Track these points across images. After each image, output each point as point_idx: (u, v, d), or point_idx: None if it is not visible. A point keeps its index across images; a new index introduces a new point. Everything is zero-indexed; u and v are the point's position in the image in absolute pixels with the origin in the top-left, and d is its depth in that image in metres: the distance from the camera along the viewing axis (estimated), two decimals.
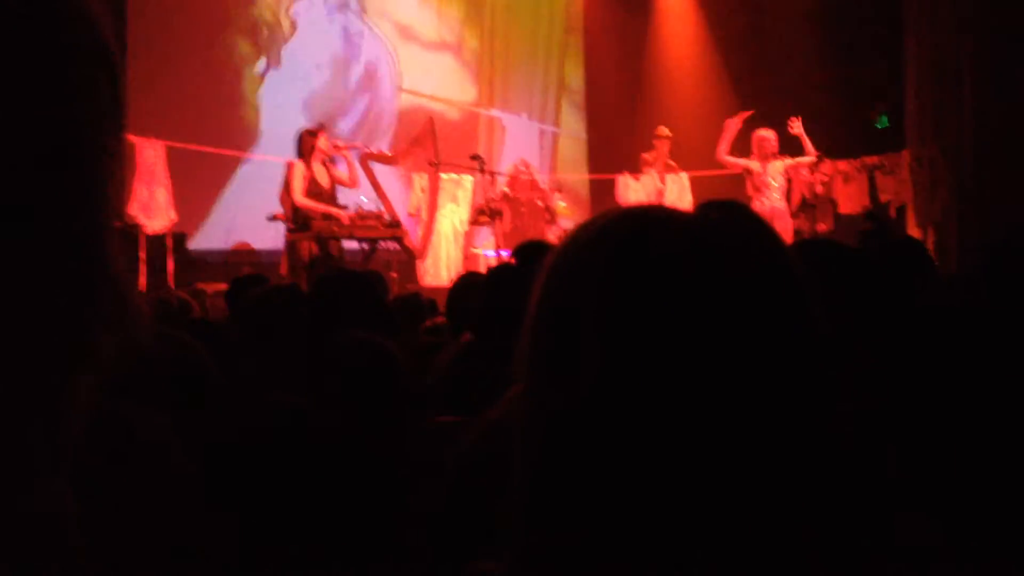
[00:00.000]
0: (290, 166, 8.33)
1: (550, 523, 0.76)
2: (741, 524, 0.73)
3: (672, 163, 10.89)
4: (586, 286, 0.78)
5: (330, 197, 8.23)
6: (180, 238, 9.78)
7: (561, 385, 0.77)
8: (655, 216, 0.81)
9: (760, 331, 0.75)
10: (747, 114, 9.65)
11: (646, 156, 11.03)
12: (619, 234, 0.79)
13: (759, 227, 0.80)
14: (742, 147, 9.71)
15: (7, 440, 0.51)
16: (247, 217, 11.51)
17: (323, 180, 8.19)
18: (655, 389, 0.73)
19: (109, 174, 0.56)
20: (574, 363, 0.76)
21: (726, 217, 0.80)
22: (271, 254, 10.26)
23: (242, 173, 11.75)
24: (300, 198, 8.07)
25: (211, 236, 11.43)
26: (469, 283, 3.56)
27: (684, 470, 0.73)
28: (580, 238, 0.81)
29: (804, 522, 0.74)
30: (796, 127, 9.47)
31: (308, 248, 8.01)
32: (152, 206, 9.09)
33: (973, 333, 1.23)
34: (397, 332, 2.75)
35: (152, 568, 0.62)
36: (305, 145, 8.16)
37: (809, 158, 9.46)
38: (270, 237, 10.18)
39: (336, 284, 2.91)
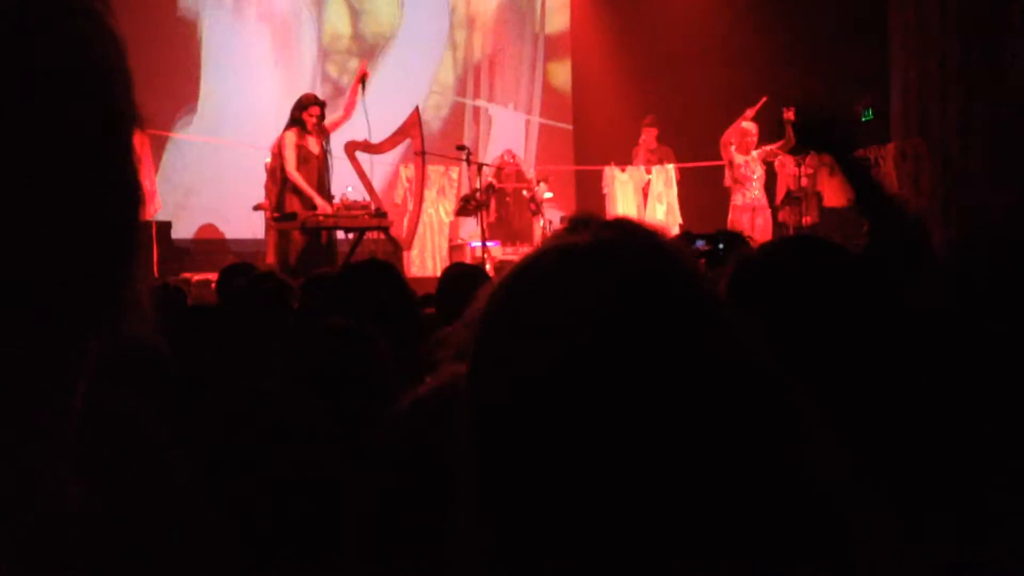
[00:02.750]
0: (278, 142, 8.19)
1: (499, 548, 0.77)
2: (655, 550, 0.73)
3: (663, 147, 10.89)
4: (489, 320, 0.80)
5: (322, 165, 8.10)
6: (165, 227, 9.74)
7: (483, 416, 0.78)
8: (549, 245, 0.83)
9: (653, 344, 0.74)
10: (761, 102, 9.60)
11: (636, 150, 11.06)
12: (516, 267, 0.82)
13: (650, 242, 0.81)
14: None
15: (17, 423, 0.51)
16: (227, 205, 11.49)
17: (314, 148, 8.09)
18: (551, 416, 0.74)
19: (130, 149, 0.57)
20: (489, 392, 0.78)
21: (616, 235, 0.81)
22: (255, 243, 10.24)
23: (223, 161, 11.70)
24: (292, 171, 7.93)
25: (194, 225, 11.39)
26: (458, 274, 3.56)
27: (598, 499, 0.73)
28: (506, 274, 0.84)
29: (739, 542, 0.73)
30: (790, 114, 9.47)
31: (297, 239, 7.97)
32: None
33: (966, 334, 1.23)
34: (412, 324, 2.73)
35: (154, 560, 0.62)
36: (297, 111, 8.08)
37: (782, 142, 9.46)
38: (250, 226, 10.17)
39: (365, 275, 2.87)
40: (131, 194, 0.56)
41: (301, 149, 7.97)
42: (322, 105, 8.11)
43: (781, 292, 1.34)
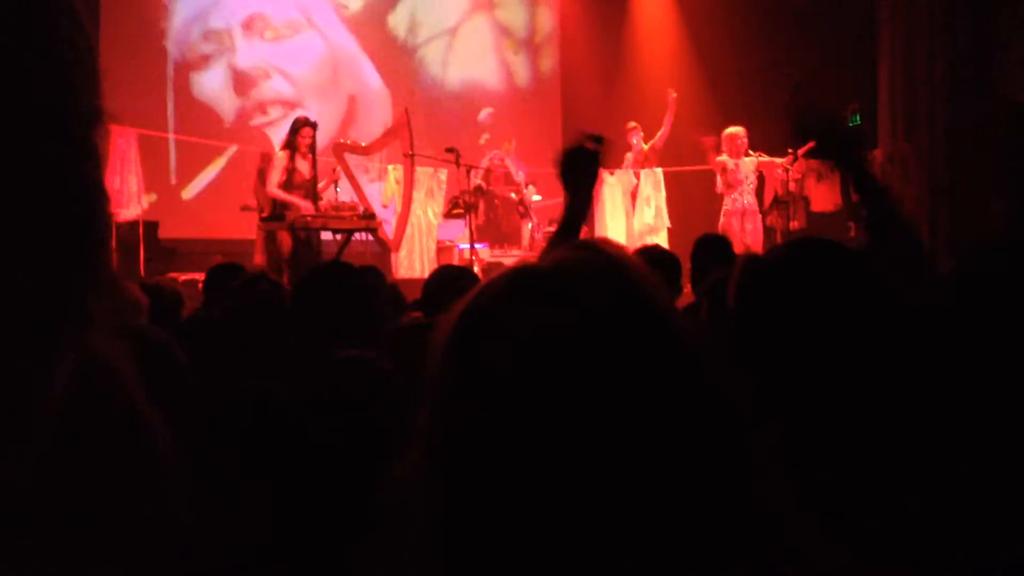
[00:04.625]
0: (269, 156, 8.33)
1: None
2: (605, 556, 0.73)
3: (648, 145, 10.91)
4: (448, 348, 0.80)
5: (309, 188, 8.19)
6: (151, 226, 9.70)
7: (439, 445, 0.78)
8: (516, 269, 0.82)
9: (613, 363, 0.75)
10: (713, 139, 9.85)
11: (628, 156, 11.10)
12: (480, 293, 0.82)
13: (613, 262, 0.81)
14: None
15: None
16: (215, 205, 11.46)
17: (304, 171, 8.18)
18: (514, 433, 0.74)
19: (96, 145, 0.56)
20: (451, 415, 0.78)
21: (582, 255, 0.81)
22: (242, 243, 10.20)
23: (211, 160, 11.68)
24: (273, 188, 8.06)
25: (181, 225, 11.35)
26: (446, 276, 3.55)
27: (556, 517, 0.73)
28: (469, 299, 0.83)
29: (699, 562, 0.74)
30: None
31: (286, 240, 7.98)
32: (123, 194, 9.02)
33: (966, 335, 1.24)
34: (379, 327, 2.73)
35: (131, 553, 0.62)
36: (291, 136, 8.17)
37: (781, 160, 9.59)
38: (240, 226, 10.12)
39: (327, 281, 2.87)
40: (85, 195, 0.55)
41: (293, 173, 8.06)
42: (314, 126, 8.17)
43: (795, 297, 1.33)
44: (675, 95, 10.59)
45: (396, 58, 13.30)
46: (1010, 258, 1.27)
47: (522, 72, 14.21)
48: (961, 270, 1.47)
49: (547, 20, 14.35)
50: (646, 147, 10.92)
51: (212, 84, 12.11)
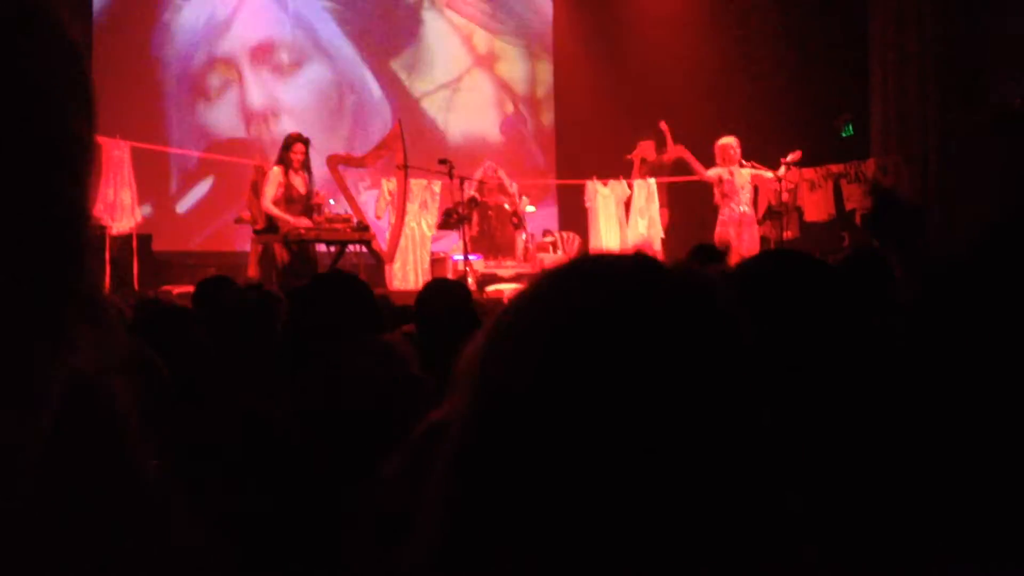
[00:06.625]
0: (263, 169, 8.35)
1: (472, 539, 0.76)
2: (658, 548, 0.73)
3: (657, 159, 10.94)
4: (531, 320, 0.79)
5: (305, 203, 8.20)
6: (145, 239, 9.70)
7: (499, 408, 0.78)
8: (601, 258, 0.83)
9: (686, 361, 0.76)
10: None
11: (635, 165, 11.16)
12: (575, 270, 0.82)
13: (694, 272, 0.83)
14: (707, 157, 9.76)
15: None
16: (208, 217, 11.47)
17: (299, 186, 8.19)
18: (583, 412, 0.74)
19: (84, 170, 0.56)
20: (514, 386, 0.77)
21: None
22: (236, 256, 10.21)
23: (208, 175, 11.69)
24: (268, 204, 8.06)
25: (175, 238, 11.35)
26: (439, 288, 3.55)
27: (603, 495, 0.73)
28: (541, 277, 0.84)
29: (725, 546, 0.74)
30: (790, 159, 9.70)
31: (280, 253, 7.99)
32: (117, 207, 9.00)
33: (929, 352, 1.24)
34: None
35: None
36: (283, 151, 8.19)
37: (771, 174, 9.64)
38: (234, 238, 10.14)
39: (329, 289, 2.87)
40: (73, 224, 0.55)
41: (289, 189, 8.08)
42: (306, 142, 8.19)
43: (766, 308, 1.34)
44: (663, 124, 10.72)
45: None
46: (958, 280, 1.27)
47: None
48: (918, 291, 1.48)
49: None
50: (654, 156, 10.97)
51: (216, 106, 12.13)
